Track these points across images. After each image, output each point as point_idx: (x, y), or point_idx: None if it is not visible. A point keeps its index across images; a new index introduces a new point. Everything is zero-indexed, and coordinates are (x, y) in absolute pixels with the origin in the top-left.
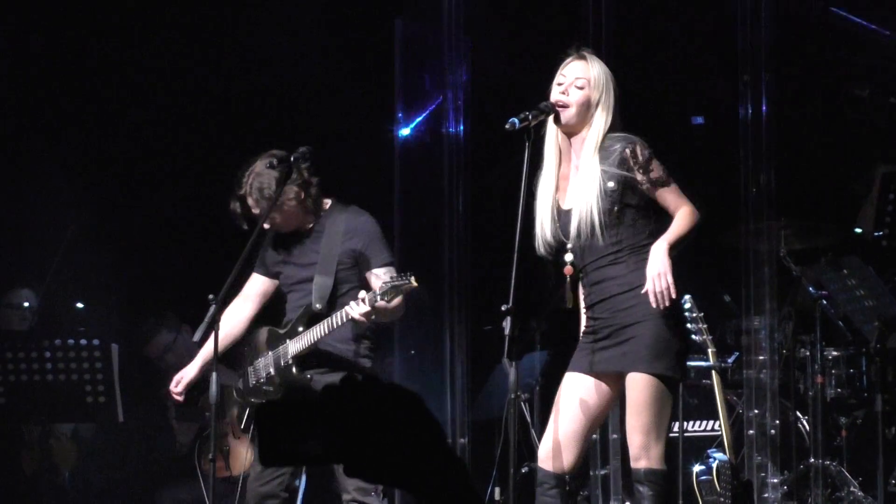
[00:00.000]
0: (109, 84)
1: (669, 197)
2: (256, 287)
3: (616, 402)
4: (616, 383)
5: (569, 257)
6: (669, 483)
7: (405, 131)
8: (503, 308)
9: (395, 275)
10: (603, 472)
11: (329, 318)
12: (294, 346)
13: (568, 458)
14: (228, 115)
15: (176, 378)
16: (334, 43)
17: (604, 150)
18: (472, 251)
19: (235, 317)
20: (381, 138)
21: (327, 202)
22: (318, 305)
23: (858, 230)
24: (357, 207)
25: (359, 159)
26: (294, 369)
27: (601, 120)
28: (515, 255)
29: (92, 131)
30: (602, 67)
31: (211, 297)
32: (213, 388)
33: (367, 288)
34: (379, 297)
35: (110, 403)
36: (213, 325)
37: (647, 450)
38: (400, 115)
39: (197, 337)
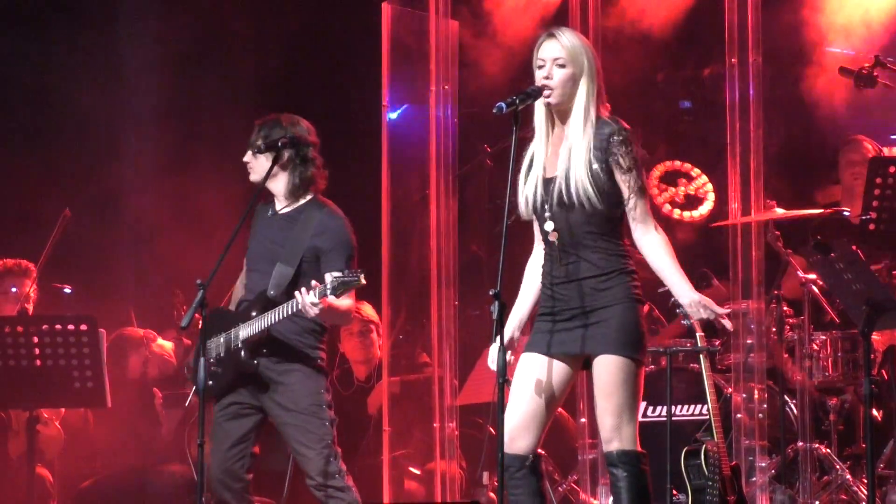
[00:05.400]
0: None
1: (639, 209)
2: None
3: (573, 384)
4: (574, 365)
5: (549, 226)
6: (644, 464)
7: (393, 115)
8: (491, 292)
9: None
10: (591, 457)
11: (282, 306)
12: (245, 331)
13: (529, 439)
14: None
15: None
16: (322, 26)
17: (596, 129)
18: (460, 235)
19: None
20: (369, 122)
21: (309, 195)
22: (272, 292)
23: (846, 212)
24: (334, 207)
25: (347, 143)
26: (243, 353)
27: (585, 89)
28: (504, 239)
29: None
30: (576, 38)
31: (199, 281)
32: (201, 373)
33: None
34: (329, 290)
35: (98, 389)
36: (200, 310)
37: (619, 431)
38: (388, 98)
39: (184, 323)
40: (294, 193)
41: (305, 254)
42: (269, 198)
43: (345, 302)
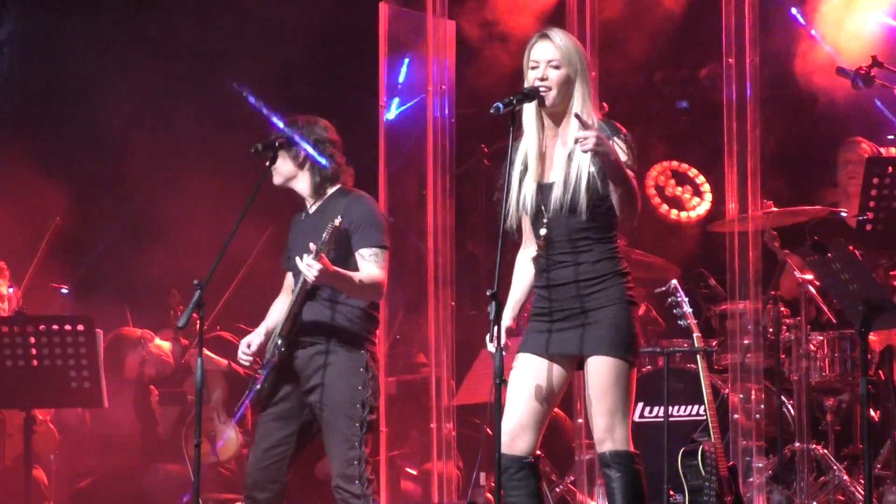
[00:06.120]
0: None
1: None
2: (288, 282)
3: (570, 384)
4: (570, 365)
5: (545, 230)
6: (638, 464)
7: (390, 115)
8: (488, 293)
9: (379, 257)
10: (588, 458)
11: (297, 285)
12: (283, 325)
13: (528, 440)
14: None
15: (245, 342)
16: (320, 27)
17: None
18: (457, 235)
19: (278, 311)
20: (366, 122)
21: (333, 188)
22: None
23: (843, 213)
24: (359, 192)
25: (344, 143)
26: (280, 343)
27: (580, 91)
28: (500, 239)
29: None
30: (568, 39)
31: (196, 282)
32: (199, 372)
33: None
34: (322, 245)
35: (95, 389)
36: (197, 310)
37: (612, 432)
38: (385, 99)
39: (181, 323)
40: (318, 191)
41: (336, 237)
42: (301, 204)
43: (367, 271)
